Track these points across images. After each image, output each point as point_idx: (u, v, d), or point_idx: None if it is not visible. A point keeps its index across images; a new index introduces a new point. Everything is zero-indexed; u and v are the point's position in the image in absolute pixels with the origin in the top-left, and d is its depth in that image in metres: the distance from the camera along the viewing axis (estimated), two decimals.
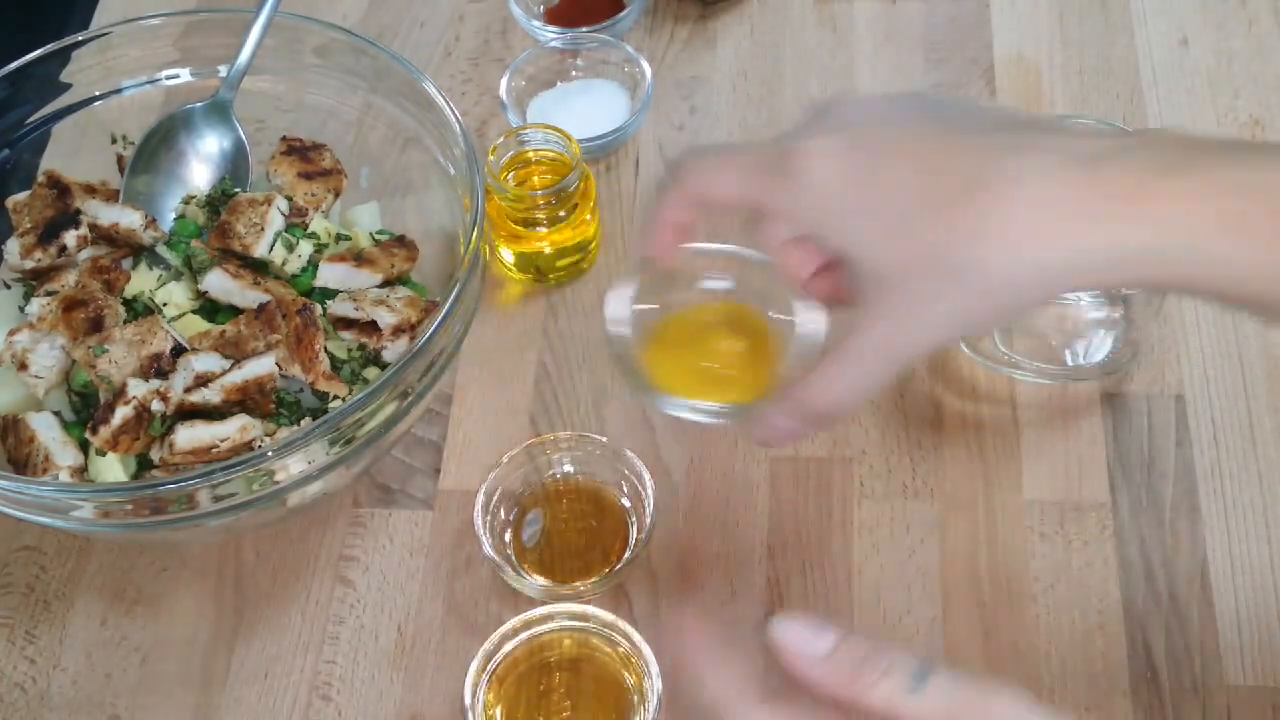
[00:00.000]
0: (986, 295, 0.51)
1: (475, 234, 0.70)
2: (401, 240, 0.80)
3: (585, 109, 0.91)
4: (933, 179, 0.51)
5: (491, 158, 0.80)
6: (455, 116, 0.75)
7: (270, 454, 0.63)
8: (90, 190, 0.80)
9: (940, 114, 0.55)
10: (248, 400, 0.71)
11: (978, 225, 0.50)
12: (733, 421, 0.62)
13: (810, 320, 0.60)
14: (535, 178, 0.83)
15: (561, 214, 0.81)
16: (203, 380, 0.70)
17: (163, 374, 0.71)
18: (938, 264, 0.51)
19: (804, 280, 0.58)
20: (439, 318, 0.67)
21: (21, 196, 0.78)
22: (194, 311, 0.76)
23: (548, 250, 0.82)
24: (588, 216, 0.82)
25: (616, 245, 0.86)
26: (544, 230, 0.81)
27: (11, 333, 0.73)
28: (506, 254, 0.83)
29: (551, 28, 0.95)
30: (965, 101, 0.55)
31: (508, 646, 0.68)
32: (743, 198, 0.57)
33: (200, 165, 0.82)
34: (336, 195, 0.82)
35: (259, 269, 0.77)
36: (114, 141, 0.83)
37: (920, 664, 0.44)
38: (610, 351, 0.63)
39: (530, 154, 0.83)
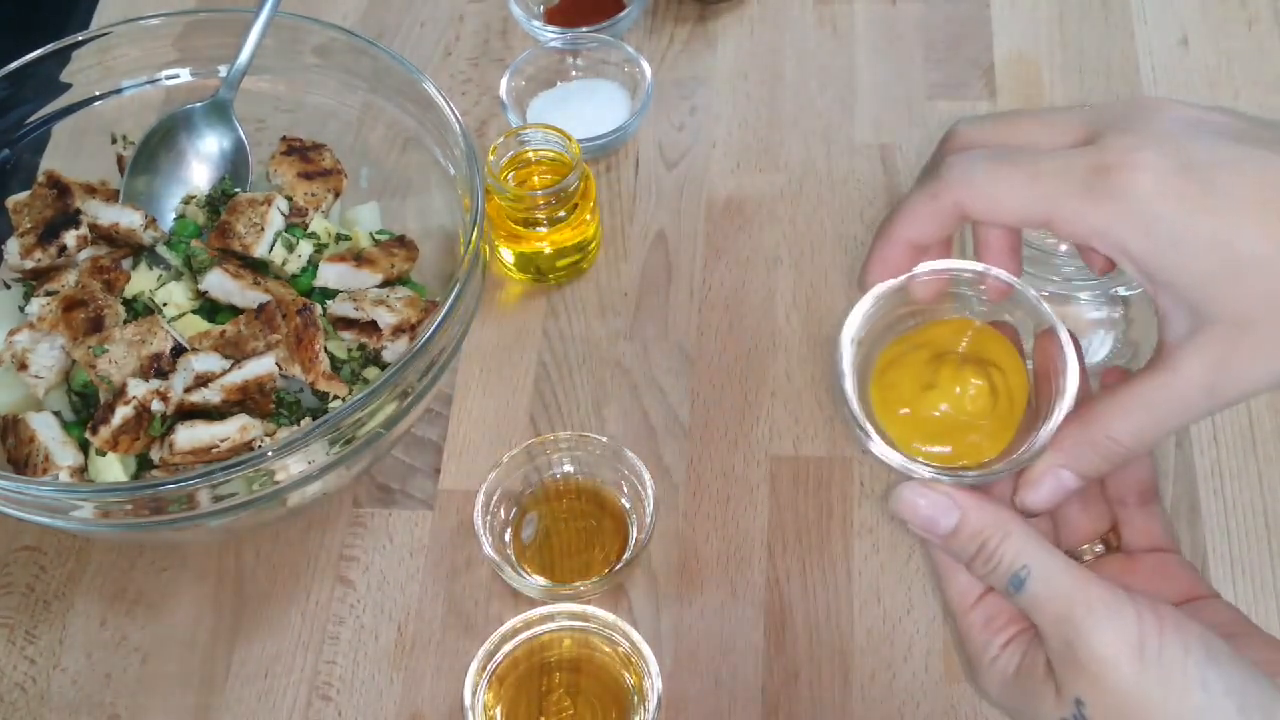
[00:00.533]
0: None
1: (475, 234, 0.70)
2: (401, 240, 0.80)
3: (585, 109, 0.91)
4: None
5: (491, 158, 0.80)
6: (455, 116, 0.75)
7: (270, 454, 0.63)
8: (90, 190, 0.80)
9: (1271, 135, 0.49)
10: (248, 400, 0.71)
11: None
12: (968, 484, 0.51)
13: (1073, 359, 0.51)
14: (535, 178, 0.83)
15: (561, 214, 0.81)
16: (203, 380, 0.70)
17: (163, 374, 0.71)
18: None
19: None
20: (439, 318, 0.67)
21: (21, 196, 0.78)
22: (194, 311, 0.76)
23: (547, 250, 0.82)
24: (587, 216, 0.82)
25: (617, 244, 0.86)
26: (544, 230, 0.81)
27: (11, 333, 0.73)
28: (506, 254, 0.83)
29: (551, 28, 0.95)
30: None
31: (508, 646, 0.68)
32: (1029, 215, 0.49)
33: (200, 165, 0.82)
34: (336, 195, 0.82)
35: (259, 269, 0.77)
36: (114, 141, 0.83)
37: (1015, 574, 0.47)
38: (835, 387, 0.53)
39: (530, 154, 0.83)
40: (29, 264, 0.76)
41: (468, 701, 0.66)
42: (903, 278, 0.52)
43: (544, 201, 0.80)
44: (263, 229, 0.77)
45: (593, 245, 0.84)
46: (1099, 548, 0.54)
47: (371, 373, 0.75)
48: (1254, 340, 0.47)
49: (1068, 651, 0.46)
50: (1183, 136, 0.48)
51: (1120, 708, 0.45)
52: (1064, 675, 0.47)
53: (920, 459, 0.51)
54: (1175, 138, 0.48)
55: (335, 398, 0.73)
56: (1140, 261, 0.48)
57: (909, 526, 0.50)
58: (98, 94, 0.83)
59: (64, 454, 0.71)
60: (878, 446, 0.51)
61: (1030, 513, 0.51)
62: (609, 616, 0.68)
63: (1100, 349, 0.78)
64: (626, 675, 0.68)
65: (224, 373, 0.71)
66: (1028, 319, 0.53)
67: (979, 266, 0.52)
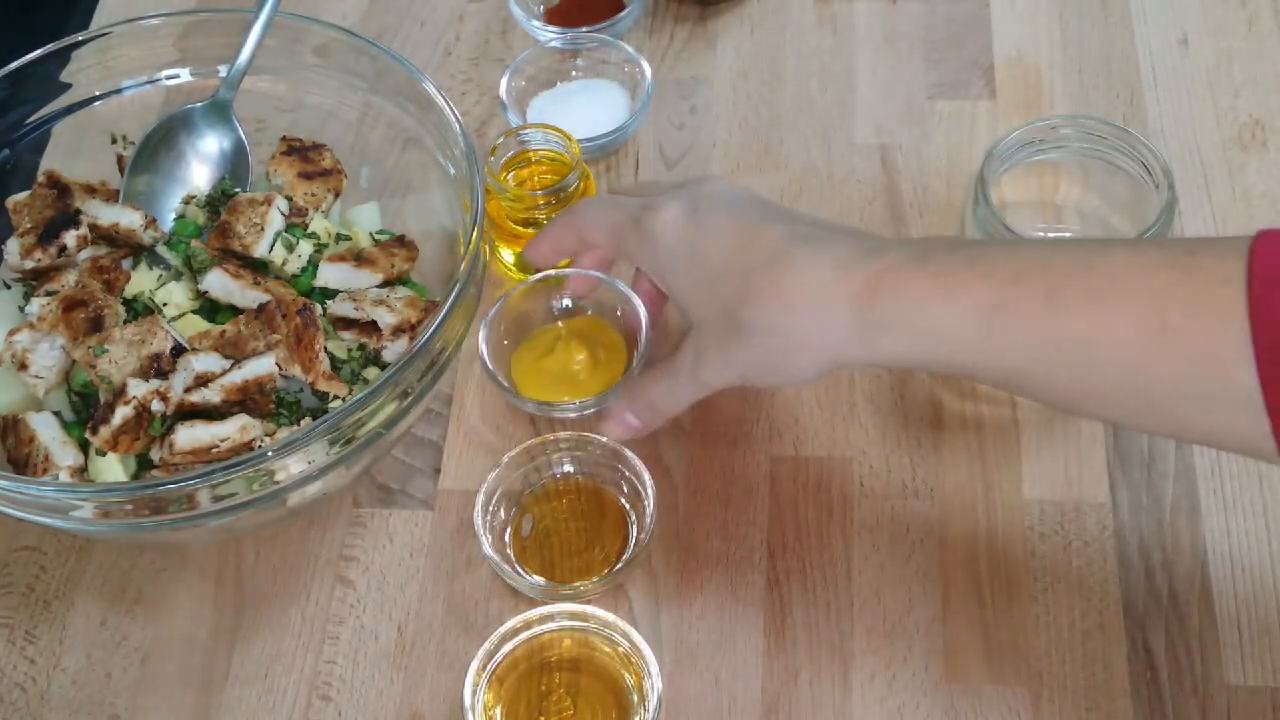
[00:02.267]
0: (765, 354, 0.62)
1: (475, 234, 0.70)
2: (401, 240, 0.80)
3: (585, 109, 0.91)
4: (742, 252, 0.63)
5: (491, 158, 0.81)
6: (455, 116, 0.75)
7: (270, 454, 0.63)
8: (90, 190, 0.80)
9: (768, 208, 0.67)
10: (248, 400, 0.71)
11: (771, 293, 0.61)
12: (586, 414, 0.76)
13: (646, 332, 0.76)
14: (535, 178, 0.83)
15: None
16: (203, 380, 0.71)
17: (163, 374, 0.71)
18: (733, 319, 0.62)
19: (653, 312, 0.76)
20: (439, 318, 0.67)
21: (21, 196, 0.78)
22: (194, 311, 0.76)
23: None
24: None
25: None
26: None
27: (11, 333, 0.73)
28: (507, 254, 0.83)
29: (551, 28, 0.95)
30: (792, 209, 0.68)
31: (508, 646, 0.68)
32: (609, 246, 0.71)
33: (200, 165, 0.82)
34: (336, 195, 0.82)
35: (259, 269, 0.77)
36: (114, 141, 0.84)
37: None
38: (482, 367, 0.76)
39: (530, 154, 0.83)
40: (29, 264, 0.76)
41: (468, 701, 0.66)
42: (553, 273, 0.78)
43: (544, 201, 0.80)
44: (263, 229, 0.77)
45: None
46: None
47: (371, 373, 0.75)
48: (712, 341, 0.64)
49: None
50: (704, 197, 0.67)
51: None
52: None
53: (544, 402, 0.76)
54: (699, 197, 0.67)
55: (335, 398, 0.73)
56: (656, 276, 0.68)
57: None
58: (98, 94, 0.83)
59: (64, 454, 0.71)
60: (519, 400, 0.76)
61: (615, 439, 0.73)
62: (609, 616, 0.68)
63: None
64: (626, 675, 0.68)
65: (224, 373, 0.71)
66: (627, 303, 0.77)
67: (578, 271, 0.77)
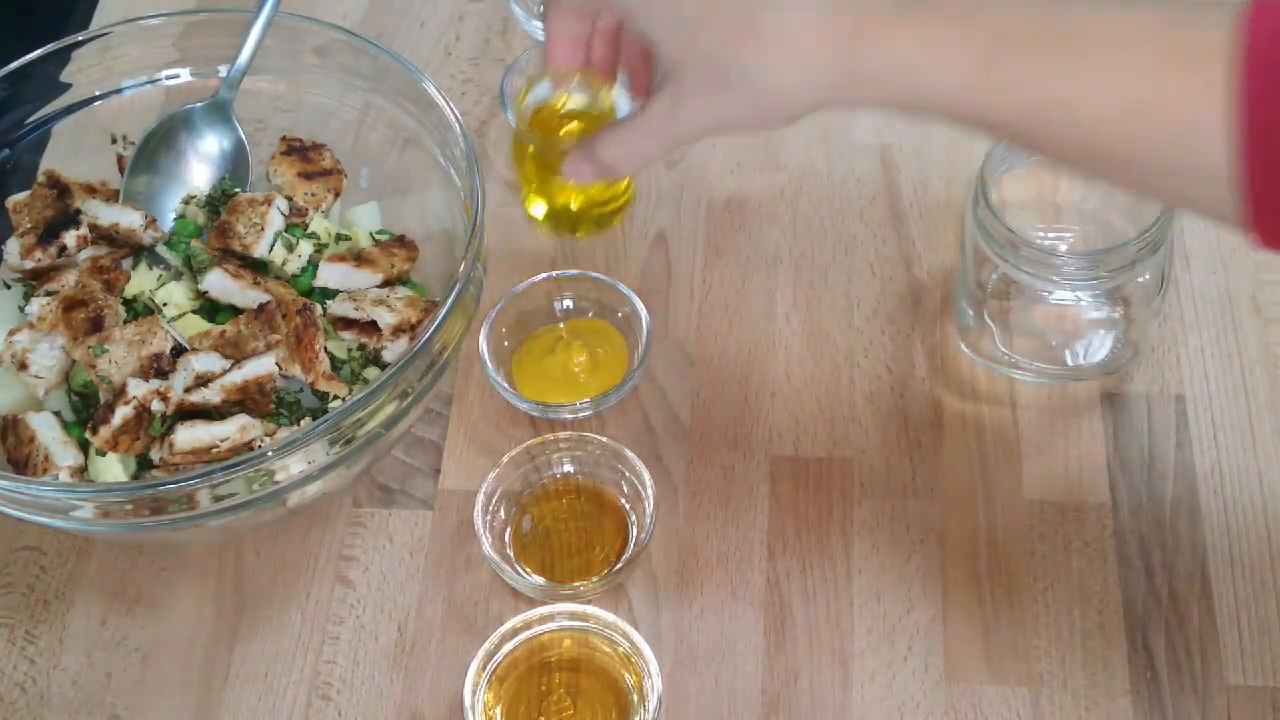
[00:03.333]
0: (746, 99, 0.60)
1: (475, 234, 0.70)
2: (401, 240, 0.80)
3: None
4: None
5: (519, 104, 0.81)
6: (455, 116, 0.75)
7: (270, 454, 0.63)
8: (90, 190, 0.80)
9: None
10: (248, 400, 0.71)
11: (752, 37, 0.58)
12: (585, 415, 0.77)
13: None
14: (566, 126, 0.84)
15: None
16: (203, 380, 0.71)
17: (163, 374, 0.71)
18: (714, 64, 0.59)
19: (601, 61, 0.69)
20: (439, 318, 0.67)
21: (21, 196, 0.78)
22: (194, 311, 0.76)
23: (574, 207, 0.83)
24: None
25: (617, 245, 0.86)
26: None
27: (11, 333, 0.73)
28: (538, 208, 0.85)
29: None
30: None
31: (508, 646, 0.68)
32: None
33: (200, 165, 0.82)
34: (336, 195, 0.82)
35: (259, 269, 0.77)
36: (114, 141, 0.84)
37: None
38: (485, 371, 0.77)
39: (560, 102, 0.82)
40: (29, 264, 0.76)
41: (468, 701, 0.66)
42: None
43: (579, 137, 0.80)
44: (263, 229, 0.77)
45: (624, 199, 0.85)
46: None
47: (371, 373, 0.75)
48: (690, 86, 0.61)
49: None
50: None
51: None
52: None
53: (544, 402, 0.77)
54: None
55: (335, 398, 0.73)
56: (635, 21, 0.62)
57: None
58: (98, 94, 0.83)
59: (64, 454, 0.71)
60: (519, 400, 0.77)
61: (567, 178, 0.68)
62: (609, 616, 0.68)
63: (1100, 349, 0.78)
64: (626, 675, 0.68)
65: (224, 373, 0.71)
66: (628, 304, 0.79)
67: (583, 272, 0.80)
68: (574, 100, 0.81)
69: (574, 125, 0.82)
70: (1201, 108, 0.51)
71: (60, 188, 0.78)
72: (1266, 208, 0.51)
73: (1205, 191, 0.53)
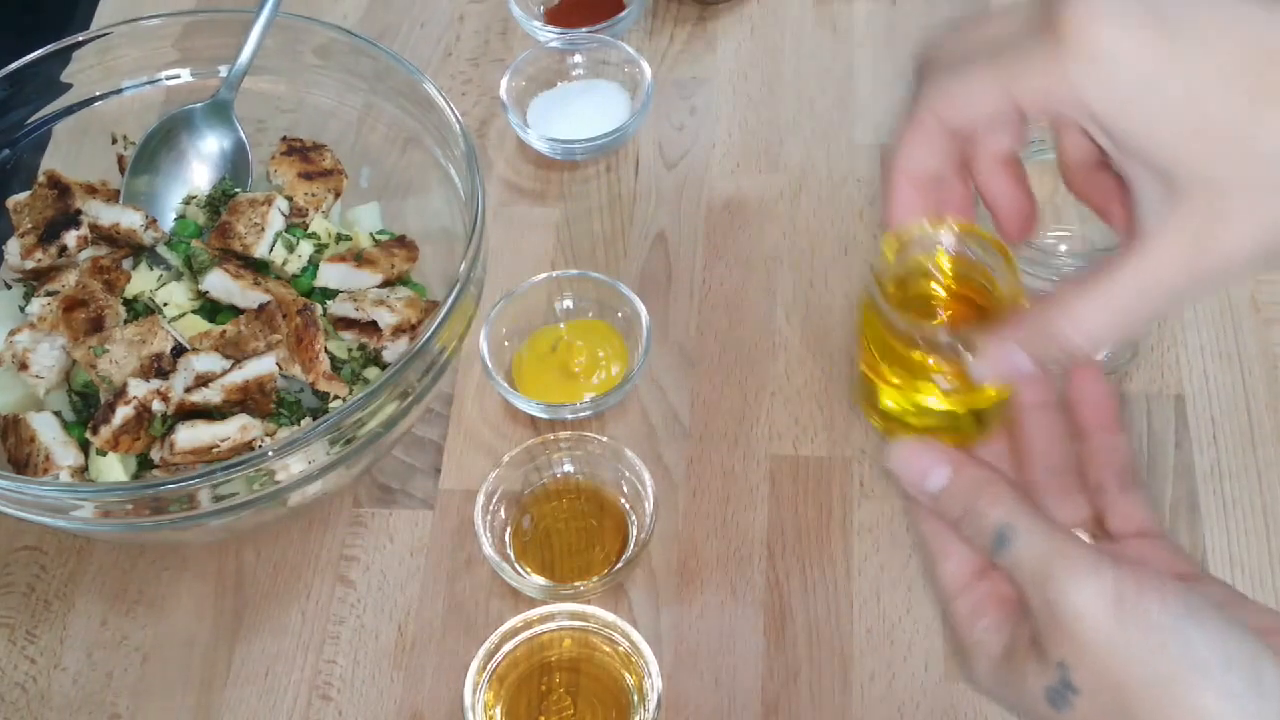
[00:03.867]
0: None
1: (476, 234, 0.70)
2: (401, 240, 0.80)
3: (585, 109, 0.91)
4: (1271, 68, 0.42)
5: (884, 260, 0.51)
6: (455, 117, 0.75)
7: (270, 454, 0.63)
8: (91, 190, 0.80)
9: None
10: (248, 400, 0.71)
11: None
12: (585, 414, 0.77)
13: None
14: (935, 304, 0.53)
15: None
16: (203, 380, 0.71)
17: (163, 374, 0.71)
18: (1265, 166, 0.42)
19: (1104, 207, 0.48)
20: (439, 318, 0.67)
21: (22, 197, 0.78)
22: (194, 311, 0.76)
23: (940, 408, 0.53)
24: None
25: (617, 245, 0.86)
26: (944, 385, 0.52)
27: (12, 333, 0.74)
28: (886, 400, 0.56)
29: (551, 28, 0.95)
30: None
31: (508, 646, 0.68)
32: (1000, 101, 0.45)
33: (200, 165, 0.82)
34: (337, 195, 0.82)
35: (259, 269, 0.78)
36: (114, 141, 0.84)
37: (1000, 532, 0.46)
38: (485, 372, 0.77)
39: (938, 260, 0.52)
40: (29, 264, 0.76)
41: (468, 701, 0.66)
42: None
43: (949, 348, 0.50)
44: (263, 229, 0.77)
45: (1001, 407, 0.53)
46: (1084, 536, 0.51)
47: (372, 373, 0.76)
48: (1229, 209, 0.43)
49: (1048, 611, 0.44)
50: None
51: (1102, 665, 0.43)
52: (1047, 639, 0.45)
53: (544, 402, 0.77)
54: None
55: (335, 398, 0.73)
56: (1104, 120, 0.43)
57: (901, 483, 0.50)
58: (98, 94, 0.83)
59: (64, 454, 0.71)
60: (519, 400, 0.77)
61: (980, 383, 0.49)
62: (609, 616, 0.68)
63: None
64: (626, 675, 0.68)
65: (224, 373, 0.71)
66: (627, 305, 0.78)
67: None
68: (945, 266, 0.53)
69: (946, 307, 0.54)
70: None
71: (61, 188, 0.78)
72: None
73: None
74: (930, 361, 0.51)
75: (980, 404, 0.53)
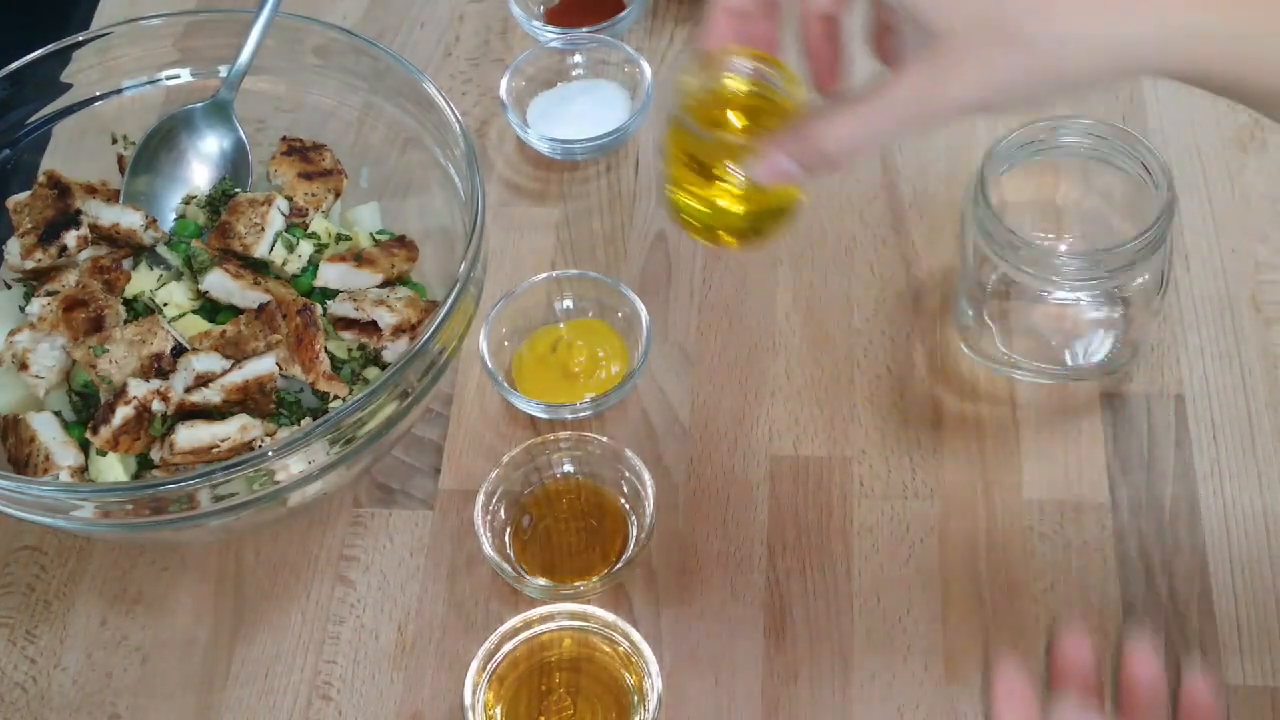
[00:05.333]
0: (1033, 65, 0.52)
1: (476, 234, 0.70)
2: (401, 240, 0.80)
3: (585, 109, 0.91)
4: None
5: (684, 81, 0.61)
6: (455, 117, 0.75)
7: (270, 454, 0.63)
8: (91, 190, 0.80)
9: None
10: (248, 400, 0.71)
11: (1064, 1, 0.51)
12: (585, 414, 0.77)
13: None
14: (732, 117, 0.64)
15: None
16: (203, 380, 0.71)
17: (163, 374, 0.71)
18: (993, 26, 0.51)
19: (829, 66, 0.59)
20: (439, 318, 0.67)
21: (22, 197, 0.78)
22: (194, 311, 0.76)
23: (735, 209, 0.64)
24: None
25: (617, 244, 0.86)
26: (738, 185, 0.61)
27: (12, 333, 0.74)
28: (688, 202, 0.65)
29: (551, 28, 0.95)
30: None
31: (508, 646, 0.68)
32: None
33: (200, 165, 0.82)
34: (336, 195, 0.82)
35: (259, 269, 0.78)
36: (114, 141, 0.84)
37: None
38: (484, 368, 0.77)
39: (735, 85, 0.62)
40: (29, 264, 0.76)
41: (468, 701, 0.66)
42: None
43: (742, 151, 0.60)
44: (263, 229, 0.77)
45: (789, 210, 0.65)
46: None
47: (372, 373, 0.76)
48: (957, 53, 0.52)
49: None
50: None
51: None
52: None
53: (544, 402, 0.76)
54: None
55: (335, 398, 0.73)
56: None
57: None
58: (98, 94, 0.83)
59: (64, 454, 0.71)
60: (519, 400, 0.77)
61: (755, 182, 0.59)
62: (609, 616, 0.68)
63: (1100, 349, 0.78)
64: (626, 675, 0.68)
65: (224, 373, 0.71)
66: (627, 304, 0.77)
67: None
68: (742, 87, 0.63)
69: (742, 120, 0.64)
70: None
71: (61, 188, 0.78)
72: None
73: None
74: (727, 166, 0.60)
75: (769, 204, 0.63)
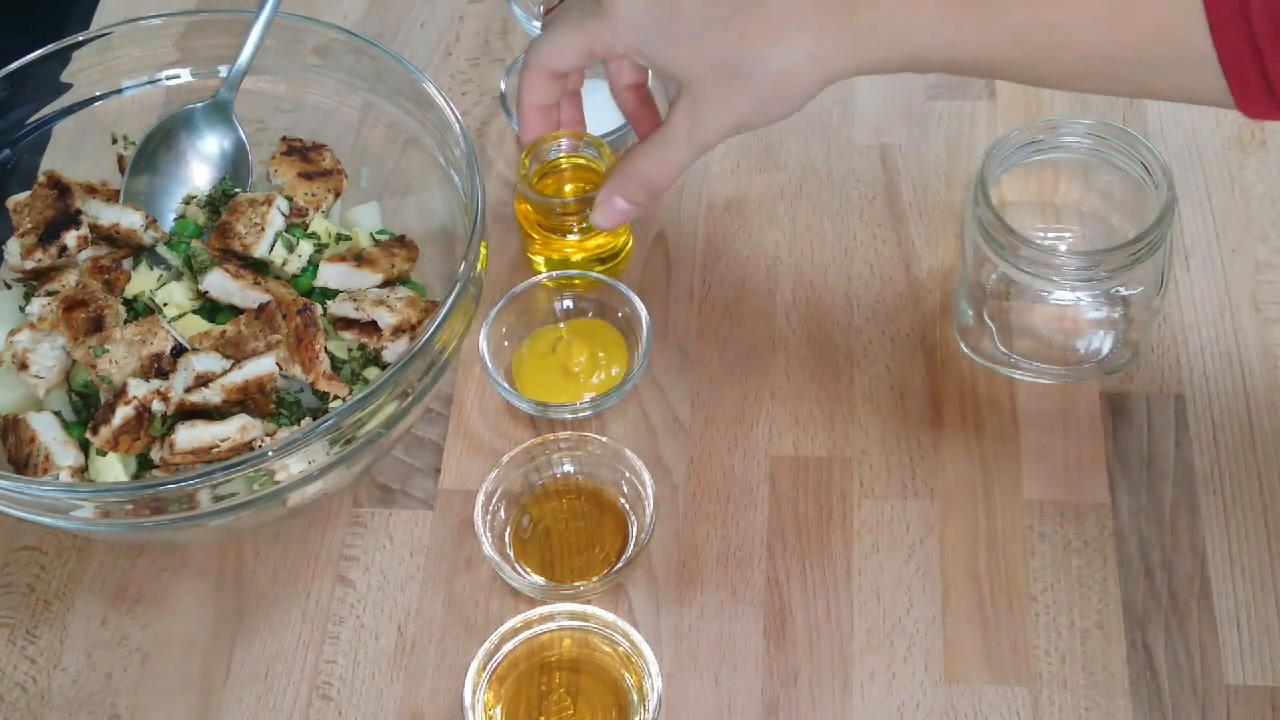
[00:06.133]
0: (759, 90, 0.65)
1: (476, 234, 0.70)
2: (401, 240, 0.80)
3: (585, 109, 0.91)
4: (713, 6, 0.64)
5: (523, 166, 0.78)
6: (455, 116, 0.75)
7: (270, 454, 0.64)
8: (91, 190, 0.80)
9: None
10: (248, 400, 0.71)
11: (758, 26, 0.63)
12: (585, 415, 0.78)
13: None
14: (567, 186, 0.82)
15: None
16: (203, 380, 0.71)
17: (163, 374, 0.71)
18: (724, 70, 0.64)
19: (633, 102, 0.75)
20: (439, 318, 0.67)
21: (22, 197, 0.78)
22: (194, 311, 0.76)
23: (577, 257, 0.81)
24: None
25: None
26: (575, 238, 0.80)
27: (12, 333, 0.74)
28: (539, 257, 0.83)
29: None
30: None
31: (508, 646, 0.68)
32: (579, 54, 0.70)
33: (200, 165, 0.82)
34: (336, 195, 0.82)
35: (259, 269, 0.78)
36: (114, 141, 0.84)
37: None
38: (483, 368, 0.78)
39: (563, 161, 0.81)
40: (29, 264, 0.76)
41: (468, 701, 0.66)
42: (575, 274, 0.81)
43: (575, 209, 0.79)
44: (263, 229, 0.77)
45: (624, 253, 0.84)
46: None
47: (372, 373, 0.76)
48: (705, 96, 0.66)
49: None
50: None
51: None
52: None
53: (544, 402, 0.77)
54: None
55: (335, 398, 0.73)
56: (636, 54, 0.68)
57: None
58: (98, 94, 0.83)
59: (64, 454, 0.71)
60: (519, 400, 0.77)
61: (602, 229, 0.76)
62: (609, 616, 0.68)
63: (1100, 349, 0.78)
64: (626, 675, 0.68)
65: (224, 373, 0.71)
66: (628, 304, 0.79)
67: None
68: (572, 159, 0.81)
69: (571, 186, 0.82)
70: (1173, 5, 0.56)
71: (61, 188, 0.78)
72: (1244, 84, 0.57)
73: (1191, 78, 0.58)
74: (567, 222, 0.79)
75: (606, 247, 0.82)
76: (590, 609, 0.68)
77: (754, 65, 0.63)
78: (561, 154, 0.81)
